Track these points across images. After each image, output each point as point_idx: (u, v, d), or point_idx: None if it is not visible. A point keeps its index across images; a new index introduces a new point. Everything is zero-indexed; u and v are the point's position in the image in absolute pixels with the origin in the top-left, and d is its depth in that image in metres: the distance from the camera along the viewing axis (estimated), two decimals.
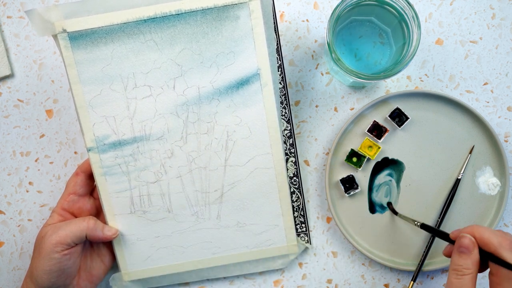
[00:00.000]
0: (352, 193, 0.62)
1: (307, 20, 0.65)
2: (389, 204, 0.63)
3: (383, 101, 0.63)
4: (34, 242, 0.58)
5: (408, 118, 0.62)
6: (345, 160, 0.63)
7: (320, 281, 0.65)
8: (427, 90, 0.63)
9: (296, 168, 0.63)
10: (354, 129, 0.63)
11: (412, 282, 0.62)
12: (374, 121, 0.62)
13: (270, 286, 0.65)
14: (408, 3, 0.55)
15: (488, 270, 0.50)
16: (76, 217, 0.60)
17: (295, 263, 0.65)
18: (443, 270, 0.65)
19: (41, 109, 0.65)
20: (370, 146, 0.63)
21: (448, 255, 0.53)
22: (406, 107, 0.62)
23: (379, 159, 0.63)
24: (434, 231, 0.56)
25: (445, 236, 0.53)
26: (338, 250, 0.65)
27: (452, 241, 0.52)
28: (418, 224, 0.57)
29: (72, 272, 0.57)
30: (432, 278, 0.65)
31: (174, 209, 0.60)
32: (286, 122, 0.62)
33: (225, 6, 0.56)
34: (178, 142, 0.59)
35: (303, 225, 0.63)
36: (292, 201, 0.63)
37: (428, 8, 0.65)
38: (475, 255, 0.49)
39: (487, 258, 0.49)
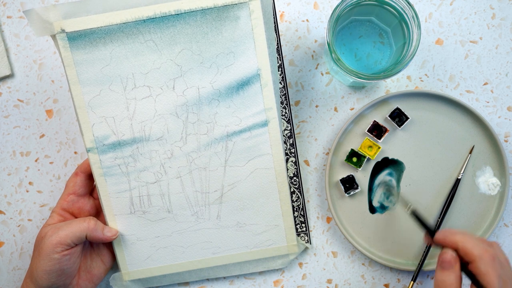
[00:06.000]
0: (352, 193, 0.62)
1: (307, 20, 0.65)
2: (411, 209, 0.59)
3: (383, 101, 0.63)
4: (34, 242, 0.58)
5: (408, 118, 0.62)
6: (345, 160, 0.62)
7: (320, 281, 0.65)
8: (427, 90, 0.62)
9: (296, 168, 0.63)
10: (354, 129, 0.63)
11: (412, 282, 0.62)
12: (374, 121, 0.62)
13: (270, 286, 0.65)
14: (408, 3, 0.55)
15: None
16: (76, 217, 0.60)
17: (295, 263, 0.65)
18: None
19: (41, 109, 0.65)
20: (370, 146, 0.62)
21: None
22: (406, 107, 0.62)
23: (379, 159, 0.63)
24: (422, 223, 0.55)
25: (431, 233, 0.54)
26: (338, 250, 0.65)
27: (432, 234, 0.53)
28: (409, 209, 0.57)
29: (72, 272, 0.57)
30: (432, 278, 0.64)
31: (174, 209, 0.60)
32: (286, 122, 0.62)
33: (225, 6, 0.56)
34: (178, 142, 0.59)
35: (303, 225, 0.63)
36: (292, 201, 0.63)
37: (428, 8, 0.65)
38: (457, 270, 0.49)
39: (466, 275, 0.49)
